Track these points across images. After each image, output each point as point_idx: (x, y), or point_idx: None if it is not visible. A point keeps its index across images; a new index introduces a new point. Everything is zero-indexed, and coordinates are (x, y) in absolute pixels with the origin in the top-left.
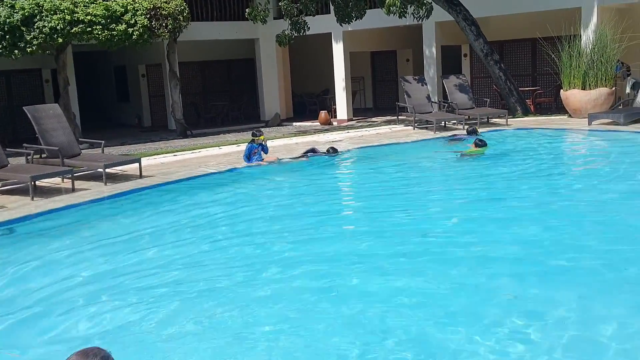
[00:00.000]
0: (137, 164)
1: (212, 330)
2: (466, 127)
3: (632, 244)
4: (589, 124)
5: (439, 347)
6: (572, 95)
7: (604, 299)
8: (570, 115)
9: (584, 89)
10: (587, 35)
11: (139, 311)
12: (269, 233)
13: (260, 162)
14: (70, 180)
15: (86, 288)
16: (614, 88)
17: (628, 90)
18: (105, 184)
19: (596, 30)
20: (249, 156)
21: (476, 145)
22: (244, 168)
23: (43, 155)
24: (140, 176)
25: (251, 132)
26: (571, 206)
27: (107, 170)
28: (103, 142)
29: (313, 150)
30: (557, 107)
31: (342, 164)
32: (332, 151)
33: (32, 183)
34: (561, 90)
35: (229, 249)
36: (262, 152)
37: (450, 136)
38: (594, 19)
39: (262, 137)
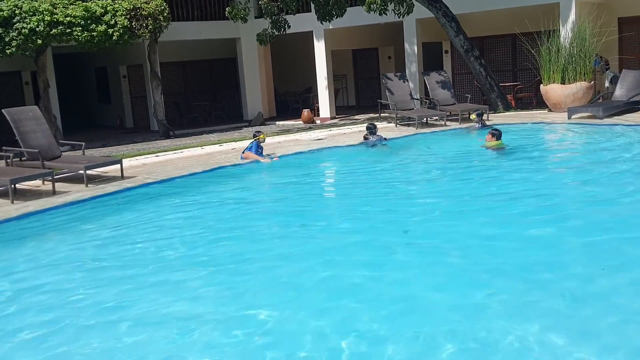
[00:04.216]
0: (118, 165)
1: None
2: (473, 114)
3: None
4: (568, 118)
5: None
6: (551, 90)
7: None
8: (550, 110)
9: (564, 84)
10: (566, 30)
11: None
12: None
13: (260, 158)
14: (51, 182)
15: (72, 291)
16: (593, 82)
17: (607, 84)
18: (87, 186)
19: (575, 25)
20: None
21: (492, 135)
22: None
23: (23, 158)
24: (122, 177)
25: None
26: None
27: (88, 172)
28: (84, 144)
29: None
30: (538, 102)
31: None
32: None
33: (12, 186)
34: (541, 85)
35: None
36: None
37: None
38: (573, 14)
39: (262, 136)
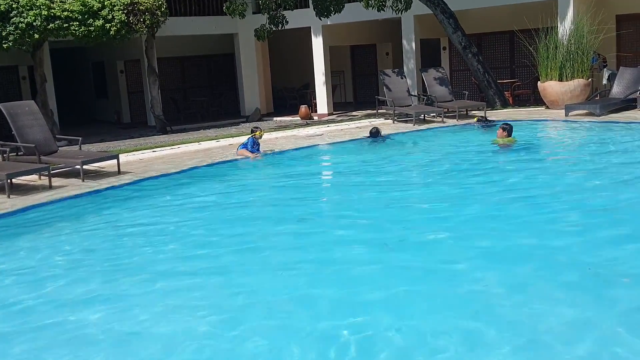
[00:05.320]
0: (115, 161)
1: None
2: (476, 118)
3: None
4: (566, 115)
5: None
6: (549, 87)
7: None
8: (547, 107)
9: (561, 81)
10: (564, 27)
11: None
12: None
13: (257, 155)
14: (48, 177)
15: (74, 285)
16: (590, 79)
17: (604, 81)
18: (83, 181)
19: (573, 22)
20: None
21: (503, 129)
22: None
23: (19, 153)
24: (119, 172)
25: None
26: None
27: (84, 167)
28: (80, 138)
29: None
30: (535, 99)
31: None
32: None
33: (8, 181)
34: (538, 82)
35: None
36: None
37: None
38: (571, 11)
39: (258, 133)
